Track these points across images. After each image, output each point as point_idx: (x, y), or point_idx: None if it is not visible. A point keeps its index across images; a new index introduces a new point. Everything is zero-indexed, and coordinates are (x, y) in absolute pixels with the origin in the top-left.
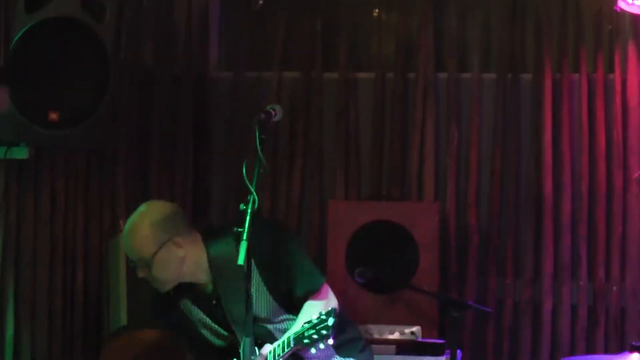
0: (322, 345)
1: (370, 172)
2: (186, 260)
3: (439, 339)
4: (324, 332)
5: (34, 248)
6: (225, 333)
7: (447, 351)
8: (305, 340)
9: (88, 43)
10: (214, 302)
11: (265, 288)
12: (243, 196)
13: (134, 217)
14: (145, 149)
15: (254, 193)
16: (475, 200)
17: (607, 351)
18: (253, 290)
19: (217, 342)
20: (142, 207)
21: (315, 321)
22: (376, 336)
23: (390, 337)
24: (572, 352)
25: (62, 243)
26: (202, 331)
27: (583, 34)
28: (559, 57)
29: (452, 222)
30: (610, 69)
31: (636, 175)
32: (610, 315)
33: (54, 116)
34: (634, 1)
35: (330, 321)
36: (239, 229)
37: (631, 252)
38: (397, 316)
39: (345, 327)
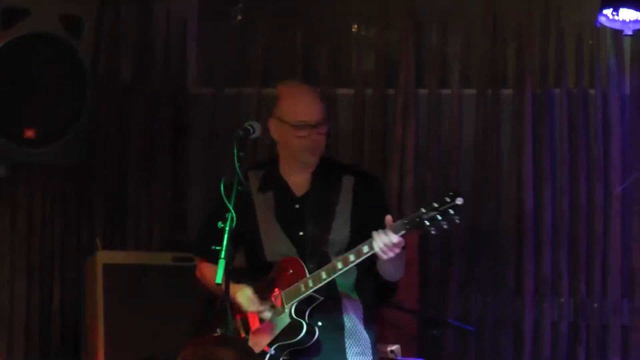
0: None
1: None
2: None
3: (418, 357)
4: (451, 211)
5: (10, 265)
6: (287, 239)
7: None
8: (427, 223)
9: (65, 59)
10: (297, 206)
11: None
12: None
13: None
14: (123, 165)
15: (232, 211)
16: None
17: None
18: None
19: (273, 247)
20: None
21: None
22: None
23: None
24: None
25: (38, 261)
26: (260, 226)
27: (564, 49)
28: (539, 73)
29: (431, 238)
30: (591, 84)
31: (617, 190)
32: (592, 332)
33: (30, 133)
34: (614, 17)
35: (459, 200)
36: (217, 247)
37: (612, 267)
38: (379, 334)
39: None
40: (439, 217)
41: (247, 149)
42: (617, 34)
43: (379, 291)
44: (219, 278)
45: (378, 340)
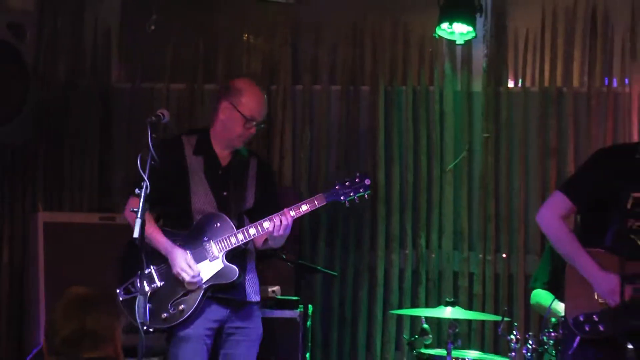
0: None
1: None
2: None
3: (294, 296)
4: (362, 190)
5: None
6: (212, 197)
7: (301, 306)
8: (342, 198)
9: (12, 59)
10: (220, 172)
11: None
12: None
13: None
14: (60, 145)
15: (147, 180)
16: (324, 186)
17: (427, 305)
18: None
19: (200, 202)
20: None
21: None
22: None
23: None
24: (400, 307)
25: None
26: (191, 182)
27: (410, 54)
28: (390, 73)
29: None
30: (430, 82)
31: (450, 167)
32: (430, 277)
33: None
34: (449, 30)
35: (367, 181)
36: (134, 210)
37: (446, 226)
38: (261, 278)
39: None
40: (352, 194)
41: (159, 131)
42: (451, 43)
43: (264, 252)
44: (136, 233)
45: (262, 283)
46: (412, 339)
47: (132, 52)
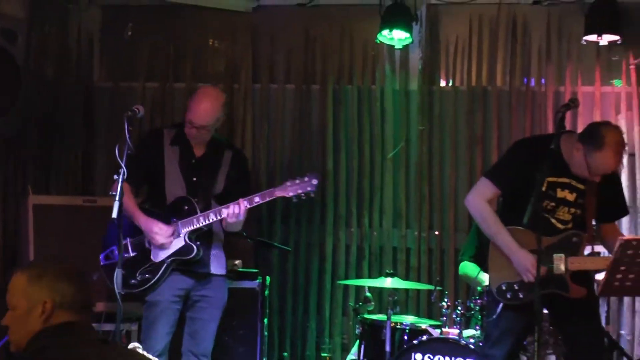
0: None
1: None
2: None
3: (254, 268)
4: (309, 188)
5: None
6: (183, 183)
7: (259, 277)
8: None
9: (5, 61)
10: (194, 161)
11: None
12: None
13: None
14: (49, 136)
15: (124, 167)
16: (280, 172)
17: (370, 277)
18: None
19: (172, 187)
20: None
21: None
22: None
23: None
24: (346, 278)
25: None
26: (166, 168)
27: (355, 57)
28: (338, 73)
29: (264, 188)
30: (373, 82)
31: (389, 156)
32: (372, 252)
33: None
34: (389, 36)
35: (315, 181)
36: (113, 193)
37: (386, 207)
38: (225, 253)
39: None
40: (299, 191)
41: (135, 124)
42: (390, 48)
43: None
44: (115, 214)
45: (226, 258)
46: (357, 306)
47: (112, 55)
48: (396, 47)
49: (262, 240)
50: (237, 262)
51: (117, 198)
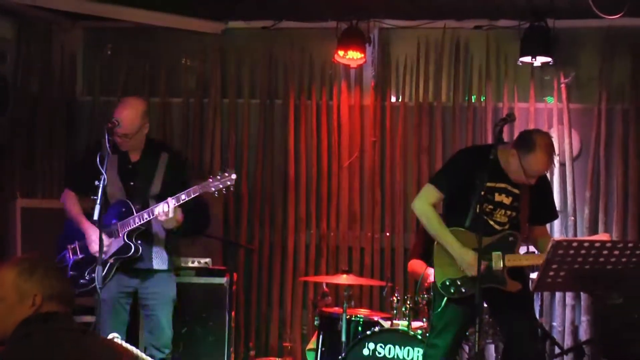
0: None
1: None
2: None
3: (222, 266)
4: (229, 182)
5: None
6: (122, 187)
7: (227, 274)
8: (213, 189)
9: None
10: (130, 166)
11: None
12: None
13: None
14: (34, 145)
15: (104, 173)
16: (246, 178)
17: (327, 273)
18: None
19: (112, 191)
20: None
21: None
22: (183, 264)
23: (191, 265)
24: (306, 274)
25: None
26: (108, 176)
27: (314, 75)
28: (298, 90)
29: (231, 192)
30: (330, 97)
31: (345, 164)
32: (329, 251)
33: None
34: (345, 56)
35: (234, 176)
36: (94, 197)
37: (342, 211)
38: (195, 252)
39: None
40: (220, 186)
41: (114, 135)
42: (346, 67)
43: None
44: (96, 216)
45: (196, 256)
46: (316, 300)
47: (92, 72)
48: (351, 66)
49: (229, 240)
50: (207, 260)
51: (98, 202)
